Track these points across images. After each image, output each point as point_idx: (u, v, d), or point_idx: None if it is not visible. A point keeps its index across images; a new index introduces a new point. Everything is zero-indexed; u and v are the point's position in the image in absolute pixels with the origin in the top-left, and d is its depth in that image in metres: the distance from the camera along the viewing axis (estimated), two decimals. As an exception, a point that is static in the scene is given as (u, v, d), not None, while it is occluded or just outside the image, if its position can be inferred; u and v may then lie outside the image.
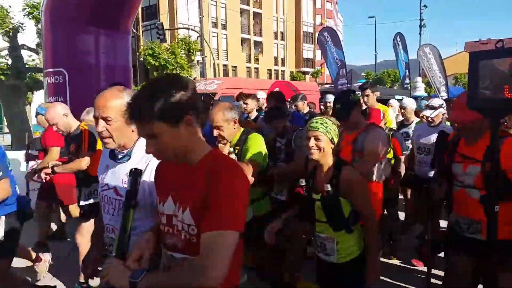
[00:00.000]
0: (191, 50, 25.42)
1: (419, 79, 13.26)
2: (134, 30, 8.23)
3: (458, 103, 2.61)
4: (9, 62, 18.29)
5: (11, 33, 17.75)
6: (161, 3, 36.55)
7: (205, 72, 23.93)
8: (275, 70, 49.84)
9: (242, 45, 45.75)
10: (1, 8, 18.10)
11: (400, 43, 14.80)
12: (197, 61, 27.63)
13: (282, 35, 51.06)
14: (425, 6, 34.85)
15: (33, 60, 19.81)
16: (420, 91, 12.18)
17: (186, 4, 36.61)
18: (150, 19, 35.95)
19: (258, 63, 47.38)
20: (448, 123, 4.80)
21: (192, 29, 27.71)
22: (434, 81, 13.20)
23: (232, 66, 43.83)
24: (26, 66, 18.69)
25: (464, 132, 2.59)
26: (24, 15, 18.06)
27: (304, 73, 50.52)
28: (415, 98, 8.79)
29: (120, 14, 6.10)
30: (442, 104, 4.53)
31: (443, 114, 4.57)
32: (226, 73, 41.68)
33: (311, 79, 46.71)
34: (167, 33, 24.89)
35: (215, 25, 41.50)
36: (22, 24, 18.10)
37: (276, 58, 50.31)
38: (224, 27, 42.88)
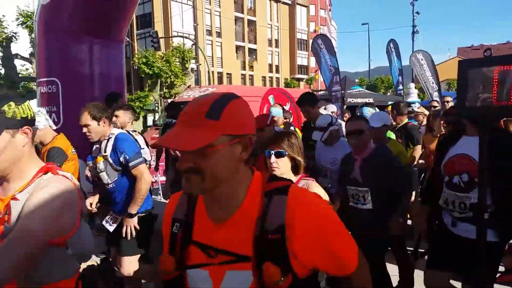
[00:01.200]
0: (185, 58, 25.48)
1: (412, 85, 13.32)
2: (128, 39, 8.25)
3: None
4: (2, 71, 18.25)
5: (4, 43, 17.73)
6: (156, 12, 36.64)
7: (199, 79, 23.97)
8: (269, 77, 50.02)
9: (236, 52, 45.93)
10: (-6, 17, 18.09)
11: (393, 49, 14.90)
12: (192, 68, 27.70)
13: (276, 42, 51.34)
14: (417, 12, 35.24)
15: (27, 69, 19.80)
16: (414, 97, 12.25)
17: (180, 12, 36.73)
18: (145, 27, 36.02)
19: (252, 70, 47.56)
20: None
21: (186, 37, 27.80)
22: (427, 86, 13.29)
23: (227, 74, 43.94)
24: (19, 75, 18.66)
25: None
26: (18, 25, 18.07)
27: (299, 80, 50.75)
28: (409, 104, 8.84)
29: (113, 23, 6.10)
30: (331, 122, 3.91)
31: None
32: (220, 81, 41.77)
33: (306, 86, 46.91)
34: (162, 41, 24.94)
35: (209, 32, 41.65)
36: (15, 33, 18.11)
37: (270, 65, 50.53)
38: (219, 34, 43.05)
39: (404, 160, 3.78)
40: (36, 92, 6.33)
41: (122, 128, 4.12)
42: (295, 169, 2.33)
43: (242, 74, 46.32)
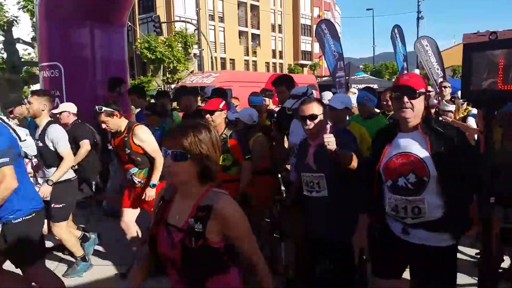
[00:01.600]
0: (188, 43, 25.32)
1: (417, 71, 13.22)
2: (130, 24, 8.18)
3: None
4: (4, 56, 18.20)
5: (5, 27, 17.63)
6: (158, -4, 36.31)
7: (202, 65, 23.85)
8: (273, 63, 49.70)
9: (239, 38, 45.55)
10: (-5, 1, 17.96)
11: (398, 35, 14.72)
12: (194, 54, 27.54)
13: (279, 27, 50.84)
14: (423, -2, 34.73)
15: (29, 54, 19.72)
16: (418, 83, 12.18)
17: (182, -4, 36.38)
18: (147, 12, 35.68)
19: (255, 56, 47.24)
20: None
21: (189, 22, 27.57)
22: (432, 73, 13.16)
23: (230, 59, 43.67)
24: (22, 60, 18.61)
25: None
26: (19, 9, 17.94)
27: (302, 65, 50.40)
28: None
29: (115, 7, 6.05)
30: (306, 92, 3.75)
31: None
32: (223, 66, 41.53)
33: (309, 72, 46.61)
34: (164, 26, 24.76)
35: (212, 17, 41.27)
36: (17, 17, 17.99)
37: (274, 51, 50.15)
38: (222, 19, 42.65)
39: (366, 144, 3.41)
40: (38, 76, 6.32)
41: (35, 117, 3.91)
42: (203, 176, 1.66)
43: (245, 60, 46.02)
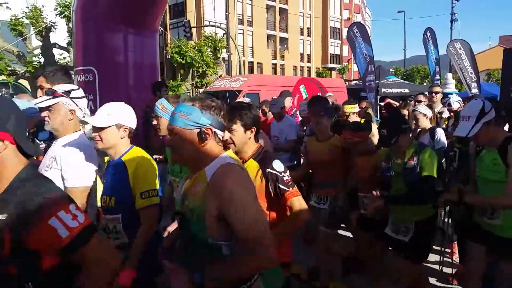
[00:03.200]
0: (217, 48, 25.55)
1: (449, 75, 12.83)
2: (161, 28, 8.31)
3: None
4: (42, 60, 18.89)
5: (44, 33, 18.31)
6: (188, 1, 36.86)
7: (230, 69, 24.00)
8: (300, 66, 49.49)
9: (267, 41, 45.63)
10: (35, 8, 18.69)
11: (430, 38, 14.40)
12: (223, 58, 27.76)
13: (308, 31, 50.61)
14: (457, -1, 33.70)
15: (64, 58, 20.37)
16: (451, 87, 11.81)
17: (212, 1, 36.78)
18: (178, 17, 36.34)
19: (283, 60, 47.17)
20: None
21: (218, 27, 27.85)
22: (465, 77, 12.77)
23: (258, 63, 43.79)
24: (58, 64, 19.26)
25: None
26: (56, 15, 18.58)
27: (330, 69, 49.95)
28: (446, 95, 8.53)
29: (148, 13, 6.17)
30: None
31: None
32: (251, 70, 41.70)
33: (337, 76, 46.14)
34: (194, 30, 25.09)
35: (241, 22, 41.55)
36: (54, 23, 18.63)
37: (302, 55, 49.95)
38: (250, 23, 42.87)
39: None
40: (73, 80, 6.50)
41: None
42: None
43: (272, 64, 46.04)
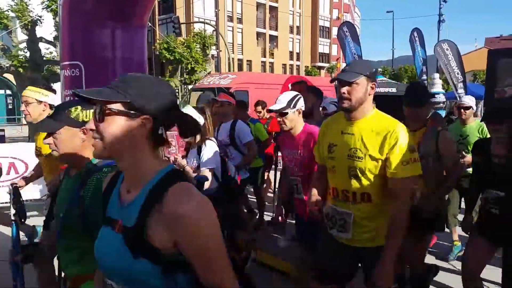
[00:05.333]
0: (206, 44, 25.45)
1: (436, 75, 12.99)
2: (150, 24, 8.28)
3: None
4: (27, 54, 18.59)
5: (29, 26, 18.00)
6: (177, -3, 36.65)
7: (219, 66, 23.94)
8: (290, 64, 49.61)
9: (257, 39, 45.62)
10: (20, 1, 18.36)
11: (417, 38, 14.55)
12: (212, 55, 27.67)
13: (298, 29, 50.74)
14: (444, 1, 34.08)
15: (51, 52, 20.04)
16: (438, 87, 11.96)
17: (202, -3, 36.65)
18: (167, 13, 36.07)
19: (273, 58, 47.23)
20: None
21: (207, 23, 27.74)
22: (452, 77, 12.95)
23: (247, 61, 43.76)
24: (44, 58, 18.97)
25: None
26: (43, 8, 18.28)
27: (320, 68, 50.19)
28: (432, 94, 8.63)
29: (136, 8, 6.11)
30: None
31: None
32: (240, 68, 41.65)
33: (326, 74, 46.37)
34: (183, 27, 24.96)
35: (230, 19, 41.45)
36: (40, 17, 18.33)
37: (291, 53, 50.06)
38: (240, 21, 42.79)
39: None
40: (59, 75, 6.42)
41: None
42: None
43: (262, 61, 46.06)
